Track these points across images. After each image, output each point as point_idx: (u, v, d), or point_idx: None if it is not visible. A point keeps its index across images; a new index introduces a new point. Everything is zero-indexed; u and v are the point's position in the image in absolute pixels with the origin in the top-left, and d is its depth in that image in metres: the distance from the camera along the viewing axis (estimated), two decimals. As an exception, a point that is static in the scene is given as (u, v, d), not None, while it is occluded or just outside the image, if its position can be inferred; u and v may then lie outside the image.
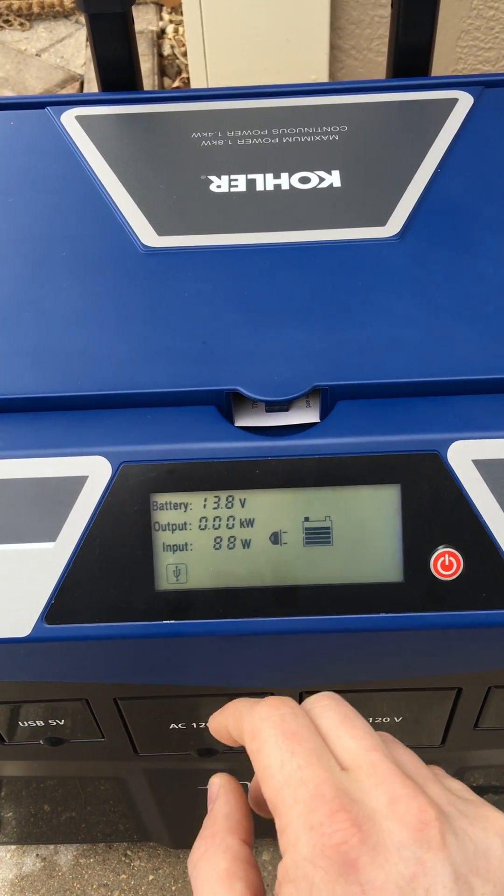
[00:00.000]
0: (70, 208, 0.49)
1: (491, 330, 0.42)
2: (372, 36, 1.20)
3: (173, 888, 0.75)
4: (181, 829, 0.70)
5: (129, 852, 0.78)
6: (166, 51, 1.72)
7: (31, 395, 0.41)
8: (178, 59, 1.71)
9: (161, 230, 0.48)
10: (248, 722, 0.30)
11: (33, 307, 0.44)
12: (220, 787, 0.33)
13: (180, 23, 1.74)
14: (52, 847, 0.79)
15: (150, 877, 0.76)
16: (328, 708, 0.31)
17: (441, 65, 1.24)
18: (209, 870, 0.28)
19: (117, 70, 0.59)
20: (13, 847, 0.79)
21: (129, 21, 0.56)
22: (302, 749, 0.27)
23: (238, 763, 0.57)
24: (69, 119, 0.55)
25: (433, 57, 0.59)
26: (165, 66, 1.72)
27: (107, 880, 0.76)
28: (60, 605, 0.40)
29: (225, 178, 0.51)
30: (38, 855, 0.78)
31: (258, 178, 0.51)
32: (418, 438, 0.39)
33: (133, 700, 0.47)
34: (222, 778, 0.34)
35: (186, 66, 1.65)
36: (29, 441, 0.40)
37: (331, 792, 0.25)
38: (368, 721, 0.49)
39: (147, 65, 1.67)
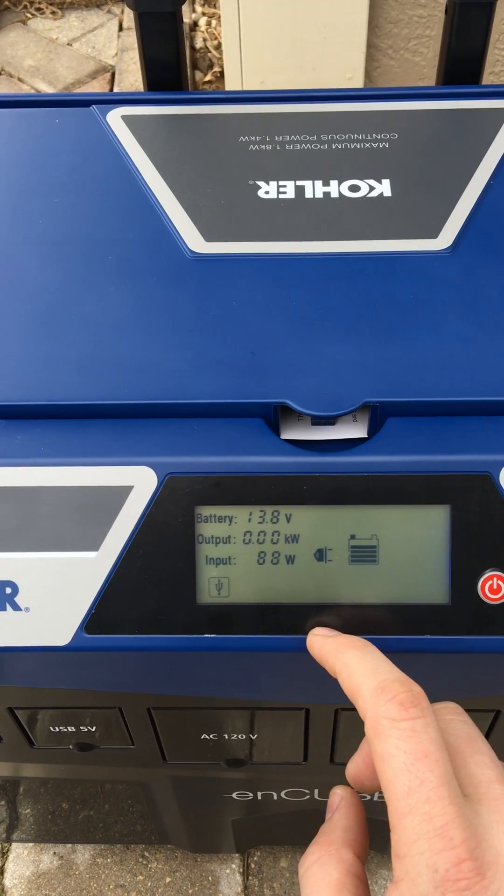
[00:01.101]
0: (116, 211, 0.49)
1: (547, 350, 0.41)
2: (409, 36, 1.19)
3: (190, 891, 0.75)
4: (201, 834, 0.70)
5: (146, 854, 0.78)
6: (199, 43, 1.71)
7: (79, 402, 0.40)
8: (210, 52, 1.70)
9: (209, 236, 0.47)
10: (370, 709, 0.29)
11: (80, 313, 0.44)
12: (342, 798, 0.34)
13: (213, 15, 1.73)
14: (69, 846, 0.79)
15: (167, 879, 0.76)
16: (455, 724, 0.30)
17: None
18: (321, 877, 0.29)
19: (164, 70, 0.58)
20: (31, 844, 0.79)
21: (178, 20, 0.56)
22: (432, 778, 0.26)
23: (267, 774, 0.56)
24: (115, 118, 0.55)
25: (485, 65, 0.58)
26: (197, 59, 1.71)
27: (123, 881, 0.76)
28: (101, 616, 0.39)
29: (273, 183, 0.50)
30: (55, 853, 0.78)
31: (307, 184, 0.50)
32: (470, 459, 0.39)
33: (167, 710, 0.47)
34: (345, 791, 0.34)
35: (219, 59, 1.64)
36: (75, 449, 0.39)
37: (459, 836, 0.24)
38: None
39: (178, 57, 1.66)
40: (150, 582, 0.39)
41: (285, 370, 0.41)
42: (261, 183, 0.50)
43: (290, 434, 0.41)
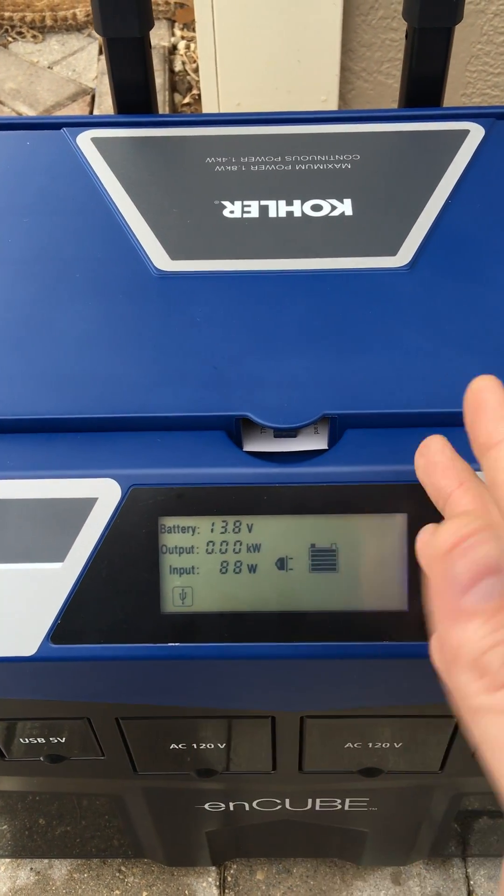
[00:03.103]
0: (84, 230, 0.50)
1: (498, 362, 0.42)
2: (382, 59, 1.21)
3: (167, 906, 0.75)
4: (176, 847, 0.70)
5: (123, 868, 0.78)
6: (178, 67, 1.73)
7: (44, 416, 0.41)
8: (189, 75, 1.72)
9: (174, 254, 0.49)
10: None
11: (46, 329, 0.45)
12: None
13: (192, 39, 1.76)
14: (46, 861, 0.79)
15: (144, 893, 0.76)
16: None
17: (450, 89, 1.25)
18: None
19: (133, 93, 0.59)
20: (7, 860, 0.79)
21: (146, 45, 0.57)
22: None
23: (237, 783, 0.57)
24: (85, 141, 0.56)
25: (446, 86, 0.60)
26: (176, 82, 1.74)
27: (100, 895, 0.76)
28: (67, 626, 0.40)
29: (238, 203, 0.52)
30: (31, 869, 0.78)
31: (271, 204, 0.52)
32: (425, 469, 0.40)
33: (134, 720, 0.47)
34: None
35: (197, 82, 1.66)
36: (40, 462, 0.40)
37: None
38: (369, 746, 0.50)
39: (158, 80, 1.68)
40: (116, 592, 0.40)
41: (247, 384, 0.42)
42: (226, 203, 0.52)
43: (252, 446, 0.42)
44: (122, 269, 0.48)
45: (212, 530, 0.40)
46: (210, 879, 0.76)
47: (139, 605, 0.40)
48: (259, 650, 0.40)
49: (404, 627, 0.40)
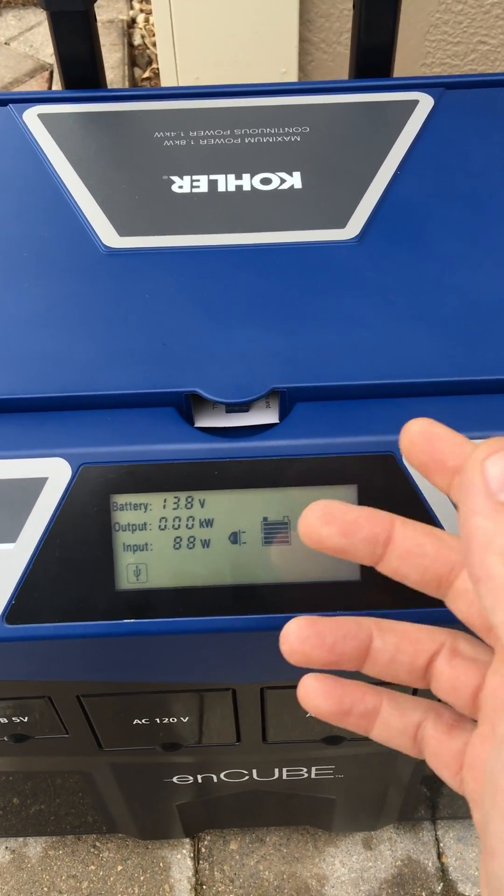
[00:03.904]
0: (31, 208, 0.49)
1: (445, 333, 0.43)
2: (341, 29, 1.20)
3: (141, 878, 0.76)
4: (148, 821, 0.71)
5: (97, 844, 0.79)
6: (137, 41, 1.71)
7: (-9, 397, 0.41)
8: (148, 48, 1.70)
9: (122, 231, 0.48)
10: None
11: (-6, 308, 0.45)
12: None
13: (150, 12, 1.73)
14: (21, 839, 0.79)
15: (119, 867, 0.77)
16: None
17: (410, 59, 1.25)
18: None
19: (80, 67, 0.58)
20: (-18, 840, 0.79)
21: (91, 19, 0.56)
22: None
23: (203, 756, 0.57)
24: (31, 117, 0.55)
25: (396, 56, 0.60)
26: (136, 56, 1.71)
27: (76, 871, 0.77)
28: (21, 605, 0.40)
29: (187, 178, 0.51)
30: (7, 847, 0.79)
31: (220, 178, 0.51)
32: (374, 440, 0.40)
33: (96, 697, 0.48)
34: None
35: (157, 55, 1.64)
36: (-11, 443, 0.40)
37: None
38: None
39: (117, 55, 1.66)
40: (69, 570, 0.40)
41: (196, 360, 0.42)
42: (174, 178, 0.51)
43: (204, 422, 0.42)
44: (69, 246, 0.48)
45: (164, 506, 0.40)
46: (184, 851, 0.77)
47: (93, 583, 0.40)
48: (214, 623, 0.41)
49: (357, 597, 0.40)
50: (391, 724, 0.31)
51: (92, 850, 0.78)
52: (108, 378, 0.42)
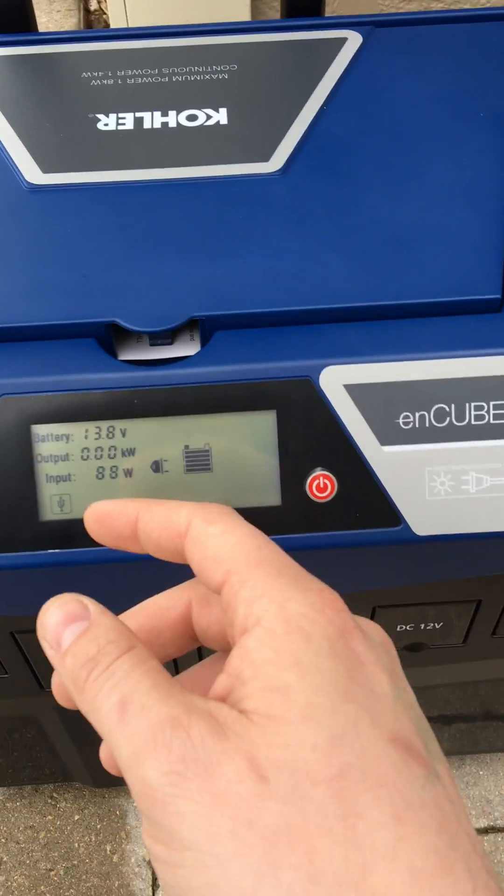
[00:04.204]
0: (-46, 147, 0.49)
1: (362, 260, 0.43)
2: (292, -15, 1.19)
3: (98, 826, 0.77)
4: (101, 768, 0.72)
5: (55, 794, 0.79)
6: (93, 6, 1.68)
7: None
8: (104, 14, 1.67)
9: (46, 168, 0.48)
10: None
11: None
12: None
13: (105, -27, 1.70)
14: (-22, 793, 0.80)
15: (76, 817, 0.78)
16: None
17: (364, 9, 1.24)
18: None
19: (10, 13, 0.58)
20: None
21: (17, -41, 0.56)
22: None
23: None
24: (-43, 59, 0.55)
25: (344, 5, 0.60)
26: (92, 22, 1.69)
27: (33, 822, 0.78)
28: None
29: (113, 116, 0.51)
30: (-36, 801, 0.80)
31: (146, 115, 0.51)
32: (291, 365, 0.40)
33: (30, 633, 0.48)
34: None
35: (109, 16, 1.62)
36: None
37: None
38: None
39: (73, 20, 1.63)
40: (-7, 502, 0.40)
41: (116, 291, 0.43)
42: (100, 116, 0.51)
43: (127, 355, 0.42)
44: (-8, 183, 0.47)
45: (86, 437, 0.41)
46: (140, 799, 0.79)
47: (17, 515, 0.41)
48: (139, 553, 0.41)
49: (278, 521, 0.41)
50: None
51: (49, 800, 0.79)
52: (28, 310, 0.42)
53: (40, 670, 0.52)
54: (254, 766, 0.21)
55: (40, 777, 0.75)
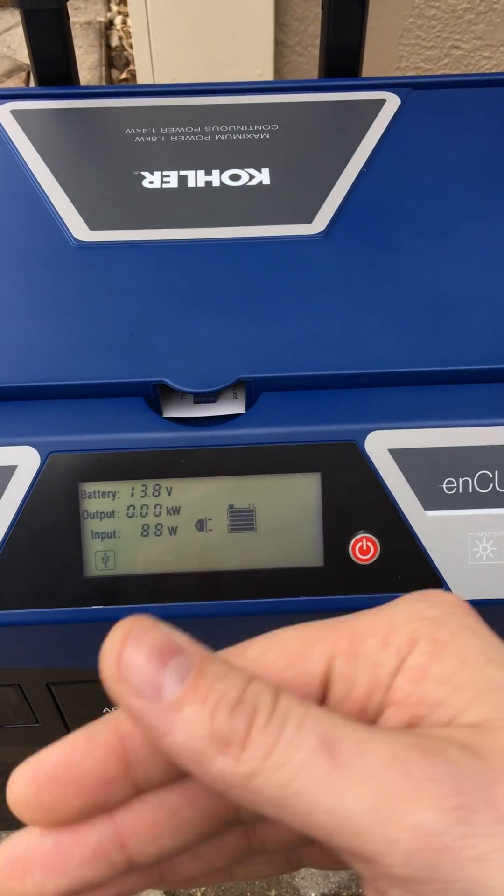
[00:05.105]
0: (3, 202, 0.50)
1: (406, 325, 0.44)
2: (316, 32, 1.22)
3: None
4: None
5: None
6: (114, 42, 1.71)
7: (-39, 386, 0.42)
8: (126, 50, 1.70)
9: (93, 224, 0.49)
10: None
11: (-36, 300, 0.45)
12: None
13: (128, 14, 1.74)
14: (-6, 835, 0.80)
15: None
16: None
17: (384, 63, 1.26)
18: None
19: (54, 65, 0.59)
20: (-45, 836, 0.79)
21: (64, 17, 0.57)
22: None
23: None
24: (4, 114, 0.56)
25: (369, 58, 0.61)
26: (113, 58, 1.72)
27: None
28: (-10, 592, 0.41)
29: (157, 174, 0.52)
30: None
31: (190, 174, 0.52)
32: (337, 429, 0.41)
33: (66, 685, 0.48)
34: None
35: (134, 57, 1.65)
36: (-42, 431, 0.41)
37: None
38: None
39: (94, 56, 1.67)
40: (38, 558, 0.41)
41: (164, 350, 0.43)
42: (145, 173, 0.52)
43: (172, 412, 0.43)
44: (40, 239, 0.48)
45: (132, 494, 0.41)
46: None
47: (62, 570, 0.41)
48: (181, 610, 0.41)
49: (320, 582, 0.41)
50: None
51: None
52: (78, 368, 0.42)
53: (71, 720, 0.52)
54: None
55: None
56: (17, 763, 0.63)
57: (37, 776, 0.20)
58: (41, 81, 0.60)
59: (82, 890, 0.20)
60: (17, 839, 0.20)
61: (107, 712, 0.52)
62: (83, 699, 0.50)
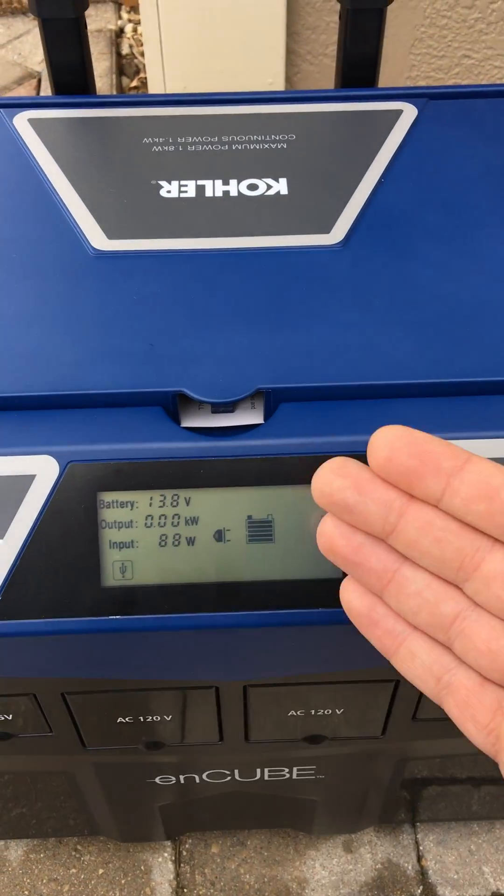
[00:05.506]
0: (21, 211, 0.50)
1: (426, 335, 0.44)
2: (327, 42, 1.22)
3: (122, 882, 0.76)
4: (130, 823, 0.71)
5: (79, 847, 0.79)
6: (125, 50, 1.72)
7: (-20, 394, 0.42)
8: (136, 58, 1.71)
9: (111, 234, 0.49)
10: None
11: (-17, 308, 0.45)
12: None
13: (139, 22, 1.74)
14: (1, 843, 0.79)
15: (100, 871, 0.77)
16: None
17: (395, 72, 1.27)
18: None
19: (70, 73, 0.59)
20: (-37, 843, 0.79)
21: (81, 25, 0.57)
22: None
23: (186, 755, 0.58)
24: (22, 122, 0.56)
25: (381, 66, 0.61)
26: (124, 66, 1.72)
27: (57, 875, 0.77)
28: (8, 602, 0.40)
29: (175, 183, 0.52)
30: (-12, 851, 0.79)
31: (207, 184, 0.52)
32: (356, 440, 0.41)
33: (80, 694, 0.48)
34: None
35: (145, 65, 1.65)
36: (-23, 440, 0.40)
37: None
38: (311, 712, 0.51)
39: (105, 63, 1.67)
40: (56, 567, 0.41)
41: (182, 360, 0.43)
42: (163, 182, 0.52)
43: (190, 422, 0.43)
44: (58, 249, 0.48)
45: (150, 504, 0.41)
46: (165, 854, 0.78)
47: (80, 580, 0.41)
48: (198, 620, 0.41)
49: (338, 594, 0.41)
50: (418, 654, 0.28)
51: (73, 853, 0.78)
52: (97, 377, 0.42)
53: (85, 730, 0.52)
54: None
55: (64, 829, 0.74)
56: (30, 772, 0.63)
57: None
58: (58, 90, 0.60)
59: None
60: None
61: (120, 723, 0.51)
62: (98, 708, 0.50)
